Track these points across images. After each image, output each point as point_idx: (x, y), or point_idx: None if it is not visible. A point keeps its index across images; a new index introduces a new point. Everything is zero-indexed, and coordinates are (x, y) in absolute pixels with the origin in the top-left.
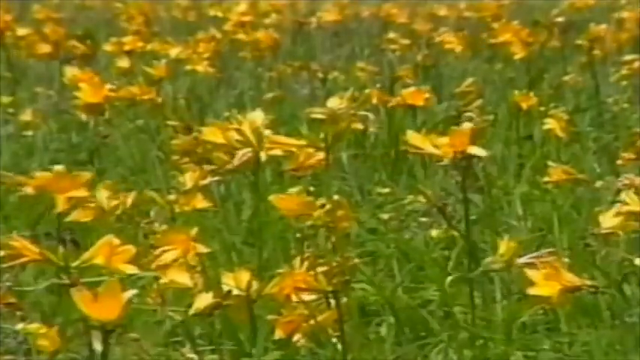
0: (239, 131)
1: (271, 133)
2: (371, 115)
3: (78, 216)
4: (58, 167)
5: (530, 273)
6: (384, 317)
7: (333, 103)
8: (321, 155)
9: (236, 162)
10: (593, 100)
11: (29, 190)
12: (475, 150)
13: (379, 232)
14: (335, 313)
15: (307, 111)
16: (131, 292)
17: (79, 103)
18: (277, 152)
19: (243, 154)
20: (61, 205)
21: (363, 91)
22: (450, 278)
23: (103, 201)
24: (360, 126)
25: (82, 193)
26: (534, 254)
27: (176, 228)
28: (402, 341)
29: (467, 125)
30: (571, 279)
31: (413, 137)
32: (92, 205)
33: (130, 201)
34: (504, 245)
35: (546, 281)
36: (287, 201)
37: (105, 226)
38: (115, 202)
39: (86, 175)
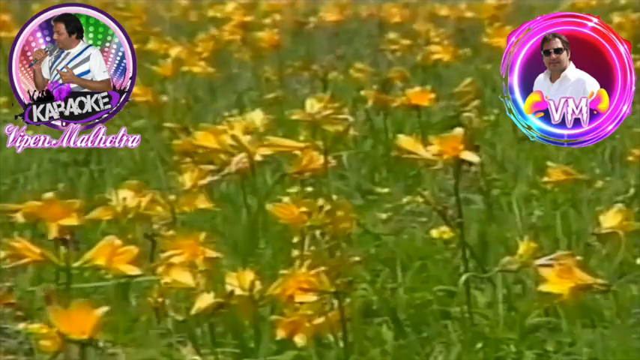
0: (233, 136)
1: (270, 134)
2: (350, 118)
3: (99, 215)
4: (48, 195)
5: (544, 271)
6: (385, 317)
7: (311, 105)
8: (323, 159)
9: (233, 168)
10: None
11: (20, 217)
12: (468, 155)
13: (379, 232)
14: (337, 314)
15: (287, 113)
16: (103, 310)
17: None
18: (270, 153)
19: (239, 159)
20: (53, 232)
21: (362, 92)
22: (463, 278)
23: (122, 201)
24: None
25: (73, 220)
26: (551, 256)
27: (183, 232)
28: (403, 341)
29: (458, 130)
30: (583, 277)
31: (404, 141)
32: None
33: (145, 202)
34: (524, 246)
35: (559, 279)
36: (286, 209)
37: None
38: (133, 203)
39: (76, 202)
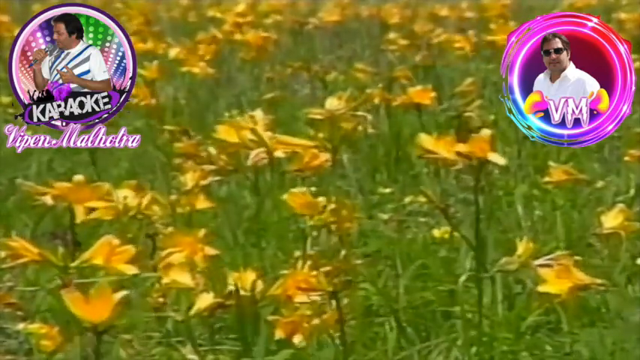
0: (253, 131)
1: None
2: (368, 116)
3: (99, 214)
4: (78, 177)
5: (542, 271)
6: (386, 317)
7: (332, 103)
8: (325, 156)
9: (250, 161)
10: None
11: (48, 200)
12: (495, 157)
13: (380, 232)
14: (336, 314)
15: (305, 111)
16: (122, 293)
17: None
18: (283, 153)
19: (257, 153)
20: (80, 215)
21: (363, 92)
22: (463, 277)
23: (122, 201)
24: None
25: (101, 203)
26: (550, 256)
27: (183, 230)
28: (404, 341)
29: (487, 132)
30: (581, 277)
31: (426, 141)
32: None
33: (145, 202)
34: (522, 246)
35: (557, 279)
36: (299, 198)
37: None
38: (134, 202)
39: (105, 185)
